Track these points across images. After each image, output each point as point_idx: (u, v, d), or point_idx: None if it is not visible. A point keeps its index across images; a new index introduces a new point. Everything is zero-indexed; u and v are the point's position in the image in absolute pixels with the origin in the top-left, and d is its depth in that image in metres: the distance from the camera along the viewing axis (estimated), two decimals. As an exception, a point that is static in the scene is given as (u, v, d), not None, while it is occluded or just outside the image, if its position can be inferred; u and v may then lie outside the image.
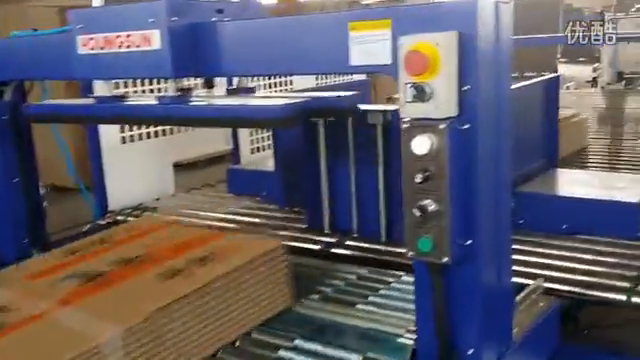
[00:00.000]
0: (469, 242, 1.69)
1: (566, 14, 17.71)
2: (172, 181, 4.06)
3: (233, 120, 1.95)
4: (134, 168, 3.80)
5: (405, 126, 1.65)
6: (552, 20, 15.59)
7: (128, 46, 2.07)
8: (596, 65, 9.39)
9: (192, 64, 2.02)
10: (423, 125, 1.62)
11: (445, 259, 1.65)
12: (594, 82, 8.16)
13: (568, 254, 2.62)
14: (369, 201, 2.96)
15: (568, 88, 7.83)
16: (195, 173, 6.46)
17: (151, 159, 3.90)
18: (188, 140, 4.12)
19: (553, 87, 3.30)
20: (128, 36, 2.07)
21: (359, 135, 2.93)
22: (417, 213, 1.64)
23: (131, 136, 3.80)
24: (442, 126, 1.60)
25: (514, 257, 2.59)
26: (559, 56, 16.05)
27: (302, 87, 4.41)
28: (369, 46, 1.75)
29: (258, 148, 4.59)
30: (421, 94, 1.59)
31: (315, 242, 2.98)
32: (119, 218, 3.60)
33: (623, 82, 7.75)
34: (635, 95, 6.89)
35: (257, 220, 3.34)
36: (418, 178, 1.63)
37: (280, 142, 3.49)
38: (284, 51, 1.90)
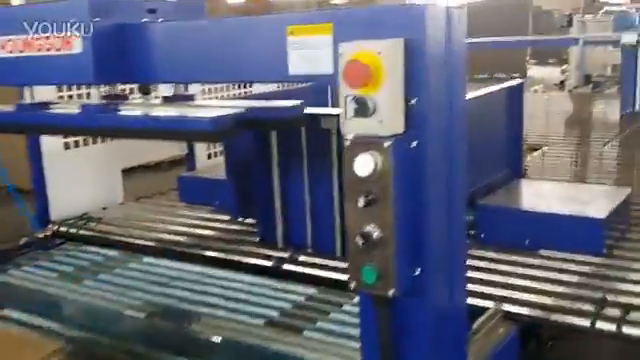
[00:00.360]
0: (418, 271, 1.53)
1: (536, 16, 17.85)
2: (120, 189, 3.84)
3: (159, 132, 1.76)
4: (78, 175, 3.57)
5: (347, 144, 1.48)
6: (522, 22, 15.67)
7: (48, 49, 1.87)
8: (564, 67, 9.38)
9: (118, 69, 1.83)
10: (366, 143, 1.45)
11: (391, 291, 1.49)
12: (562, 85, 8.11)
13: (530, 272, 2.48)
14: (324, 213, 2.80)
15: (535, 91, 7.75)
16: (159, 175, 6.26)
17: (97, 166, 3.68)
18: (137, 146, 3.90)
19: (517, 93, 3.16)
20: (47, 38, 1.86)
21: (313, 141, 2.76)
22: (360, 241, 1.47)
23: (75, 141, 3.57)
24: (387, 144, 1.43)
25: (473, 275, 2.47)
26: (528, 57, 16.16)
27: (263, 90, 4.22)
28: (309, 53, 1.58)
29: (216, 153, 4.37)
30: (362, 108, 1.42)
31: (266, 258, 2.80)
32: (61, 229, 3.37)
33: (590, 85, 7.71)
34: (602, 99, 6.85)
35: (207, 233, 3.15)
36: (360, 202, 1.46)
37: (231, 148, 3.31)
38: (218, 57, 1.71)
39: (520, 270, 2.50)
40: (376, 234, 1.47)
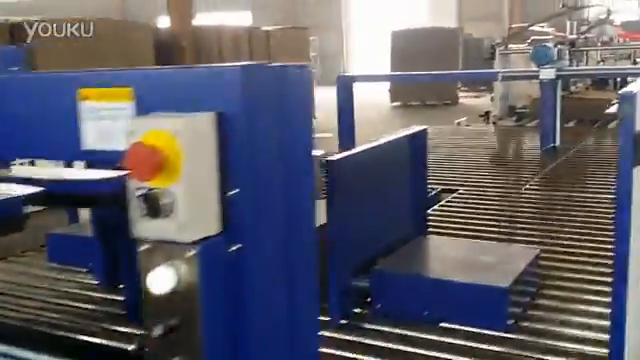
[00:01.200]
0: (244, 414, 1.17)
1: (467, 43, 18.09)
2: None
3: None
4: None
5: (142, 249, 1.11)
6: (453, 49, 15.82)
7: None
8: (493, 95, 9.31)
9: None
10: (164, 250, 1.09)
11: None
12: (487, 115, 7.99)
13: (426, 352, 2.18)
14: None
15: (459, 124, 7.60)
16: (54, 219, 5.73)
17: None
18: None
19: (420, 141, 2.88)
20: None
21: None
22: (157, 383, 1.10)
23: None
24: (191, 253, 1.08)
25: (363, 358, 2.15)
26: (460, 85, 16.30)
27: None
28: (106, 124, 1.22)
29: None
30: (152, 207, 1.06)
31: (129, 339, 2.38)
32: None
33: (515, 117, 7.61)
34: (525, 133, 6.73)
35: (69, 304, 2.70)
36: (158, 329, 1.10)
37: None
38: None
39: (414, 350, 2.19)
40: (181, 371, 1.11)
